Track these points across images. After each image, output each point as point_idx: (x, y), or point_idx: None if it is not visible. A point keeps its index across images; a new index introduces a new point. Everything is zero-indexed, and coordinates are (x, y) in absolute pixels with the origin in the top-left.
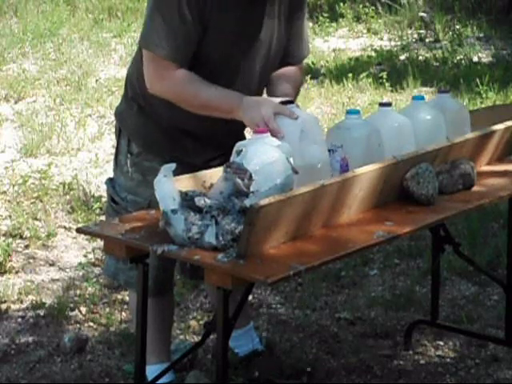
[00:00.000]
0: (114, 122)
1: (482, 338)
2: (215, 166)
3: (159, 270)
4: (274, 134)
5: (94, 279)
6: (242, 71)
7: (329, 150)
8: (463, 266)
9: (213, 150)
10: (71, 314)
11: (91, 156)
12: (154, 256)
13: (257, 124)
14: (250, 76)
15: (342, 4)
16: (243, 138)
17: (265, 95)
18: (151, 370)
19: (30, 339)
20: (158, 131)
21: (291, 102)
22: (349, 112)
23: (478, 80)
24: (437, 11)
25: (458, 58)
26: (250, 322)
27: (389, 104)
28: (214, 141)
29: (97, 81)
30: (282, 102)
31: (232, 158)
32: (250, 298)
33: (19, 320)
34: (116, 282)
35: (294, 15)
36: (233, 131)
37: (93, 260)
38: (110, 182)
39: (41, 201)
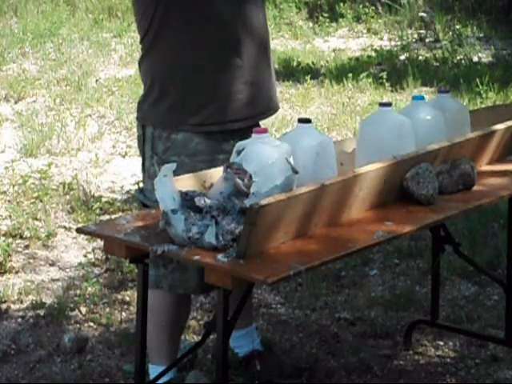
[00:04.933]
0: (137, 135)
1: (482, 338)
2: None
3: None
4: None
5: (94, 279)
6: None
7: None
8: (463, 266)
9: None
10: (71, 313)
11: (91, 156)
12: None
13: None
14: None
15: (342, 4)
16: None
17: None
18: (156, 372)
19: (30, 339)
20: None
21: (309, 121)
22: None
23: (478, 80)
24: (437, 11)
25: (458, 58)
26: (253, 323)
27: (389, 104)
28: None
29: (97, 81)
30: (300, 120)
31: (232, 158)
32: None
33: (19, 320)
34: (161, 289)
35: None
36: (265, 89)
37: (93, 260)
38: (140, 192)
39: (41, 201)
